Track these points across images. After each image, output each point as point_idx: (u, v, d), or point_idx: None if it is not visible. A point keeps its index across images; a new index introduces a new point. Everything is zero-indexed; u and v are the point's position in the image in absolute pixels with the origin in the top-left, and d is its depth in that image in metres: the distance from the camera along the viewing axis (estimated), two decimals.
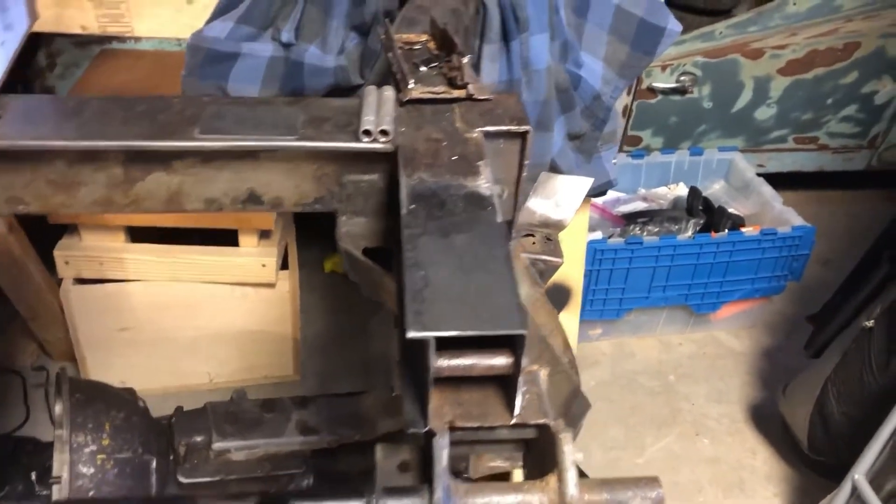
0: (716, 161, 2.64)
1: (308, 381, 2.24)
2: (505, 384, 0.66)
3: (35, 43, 2.22)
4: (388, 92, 0.85)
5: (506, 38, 1.14)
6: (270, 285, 2.06)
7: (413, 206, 0.71)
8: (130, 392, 1.93)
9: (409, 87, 0.84)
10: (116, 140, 0.77)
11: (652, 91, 2.62)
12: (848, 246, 2.59)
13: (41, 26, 1.31)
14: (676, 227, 2.42)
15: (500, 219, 0.70)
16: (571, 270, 1.58)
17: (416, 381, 0.66)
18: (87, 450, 1.56)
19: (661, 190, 2.63)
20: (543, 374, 0.73)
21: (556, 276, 1.66)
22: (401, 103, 0.85)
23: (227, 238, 2.03)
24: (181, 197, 0.83)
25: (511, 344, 0.63)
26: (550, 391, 0.91)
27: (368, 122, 0.79)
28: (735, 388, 2.33)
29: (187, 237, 2.01)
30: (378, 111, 0.81)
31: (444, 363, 0.64)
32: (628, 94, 2.60)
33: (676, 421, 2.23)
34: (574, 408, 1.04)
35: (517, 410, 0.65)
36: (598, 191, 1.49)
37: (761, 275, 2.35)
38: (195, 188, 0.82)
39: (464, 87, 0.85)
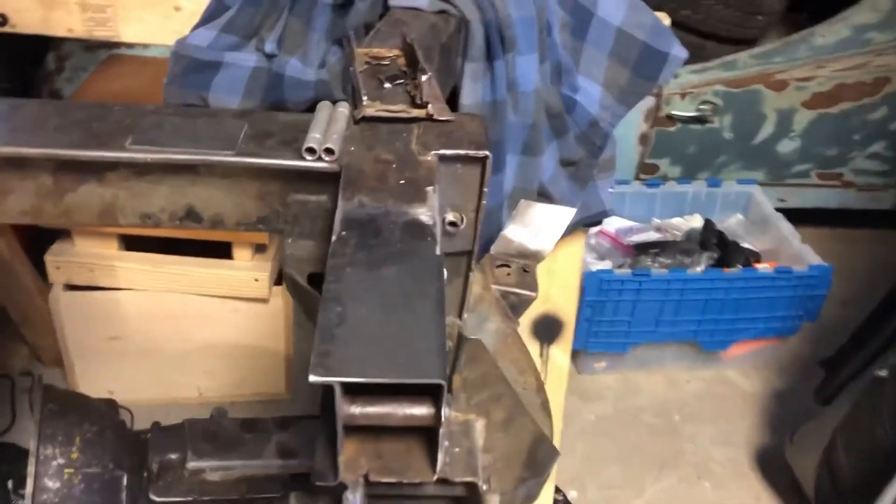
0: (734, 193, 2.56)
1: (299, 400, 2.19)
2: (430, 436, 0.60)
3: (45, 46, 2.21)
4: (343, 108, 0.80)
5: (490, 57, 1.08)
6: (264, 300, 2.02)
7: (344, 232, 0.65)
8: (110, 404, 1.89)
9: (364, 103, 0.79)
10: (43, 147, 0.72)
11: (671, 119, 2.55)
12: (869, 287, 2.48)
13: (27, 28, 1.29)
14: (689, 259, 2.34)
15: (438, 251, 0.64)
16: (564, 302, 1.51)
17: (332, 428, 0.60)
18: (54, 463, 1.51)
19: (676, 221, 2.55)
20: (480, 425, 0.66)
21: (548, 308, 1.59)
22: (355, 121, 0.79)
23: (222, 250, 1.99)
24: (115, 210, 0.78)
25: (433, 393, 0.56)
26: (502, 440, 0.85)
27: (313, 139, 0.74)
28: (742, 430, 2.24)
29: (182, 248, 1.97)
30: (327, 128, 0.76)
31: (357, 411, 0.57)
32: (646, 121, 2.53)
33: (679, 462, 2.14)
34: (539, 455, 0.97)
35: (439, 466, 0.59)
36: (592, 220, 1.42)
37: (775, 314, 2.26)
38: (130, 202, 0.77)
39: (424, 106, 0.79)
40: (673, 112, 2.53)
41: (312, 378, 0.53)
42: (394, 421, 0.58)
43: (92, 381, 2.07)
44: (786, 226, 2.39)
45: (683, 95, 2.52)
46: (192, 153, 0.73)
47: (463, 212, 0.79)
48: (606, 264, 2.33)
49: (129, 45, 2.11)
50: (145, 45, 2.08)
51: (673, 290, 2.19)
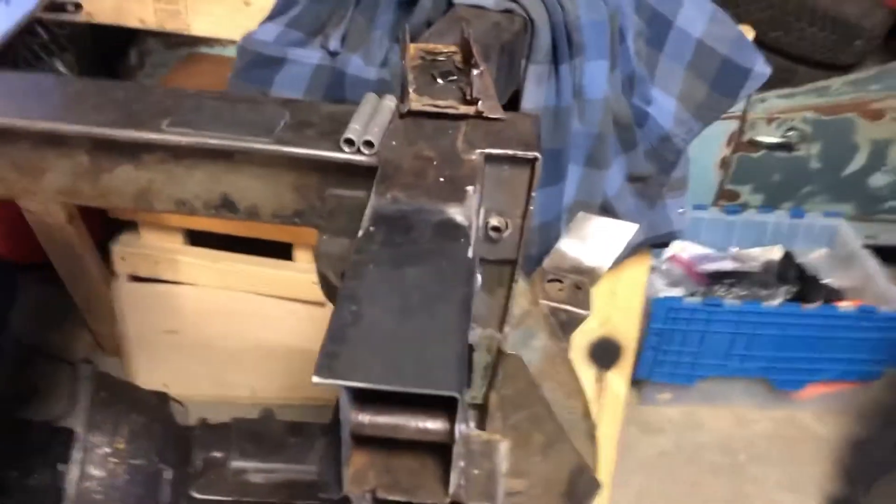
0: (818, 226, 2.42)
1: None
2: (447, 454, 0.55)
3: (128, 41, 2.26)
4: (389, 101, 0.76)
5: (556, 60, 1.03)
6: (321, 304, 2.00)
7: (372, 228, 0.61)
8: (161, 397, 1.90)
9: (411, 97, 0.74)
10: (79, 125, 0.70)
11: (755, 145, 2.44)
12: None
13: (101, 16, 1.30)
14: (765, 292, 2.22)
15: (470, 254, 0.59)
16: (625, 326, 1.44)
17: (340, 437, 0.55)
18: (99, 451, 1.52)
19: (755, 251, 2.43)
20: (505, 447, 0.61)
21: (607, 331, 1.52)
22: (401, 115, 0.75)
23: (283, 251, 1.99)
24: (150, 195, 0.76)
25: (449, 406, 0.51)
26: (539, 466, 0.79)
27: (353, 130, 0.70)
28: (813, 477, 2.10)
29: (245, 247, 1.97)
30: (369, 121, 0.72)
31: (366, 419, 0.53)
32: (728, 145, 2.43)
33: None
34: (580, 486, 0.90)
35: (452, 487, 0.53)
36: (659, 241, 1.35)
37: (856, 356, 2.13)
38: (165, 187, 0.75)
39: (473, 102, 0.74)
40: (757, 137, 2.42)
41: (316, 380, 0.48)
42: (405, 434, 0.53)
43: (148, 374, 2.09)
44: (873, 263, 2.25)
45: (770, 121, 2.40)
46: (227, 138, 0.70)
47: (508, 217, 0.74)
48: (678, 292, 2.24)
49: (209, 44, 2.14)
50: (224, 45, 2.11)
51: (746, 322, 2.08)
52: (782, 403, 2.26)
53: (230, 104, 0.75)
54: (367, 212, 0.62)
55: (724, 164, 2.46)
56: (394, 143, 0.71)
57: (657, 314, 2.06)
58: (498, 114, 0.74)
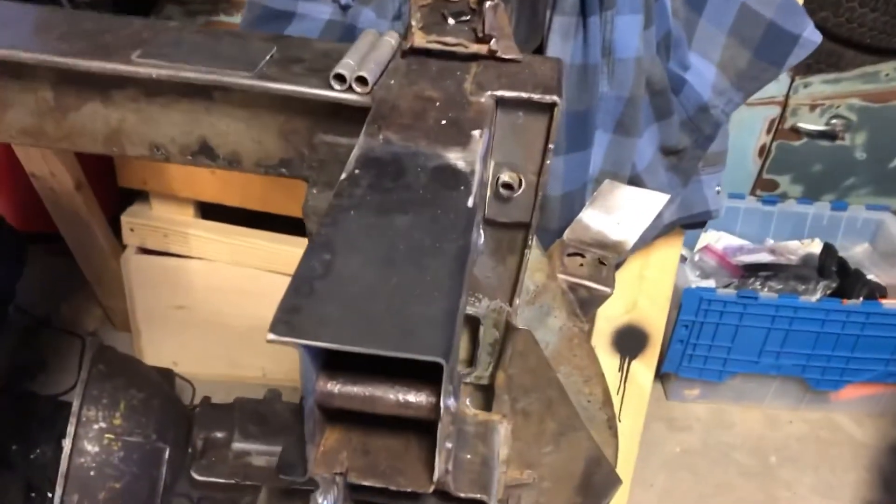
0: (861, 220, 2.30)
1: None
2: (432, 434, 0.46)
3: (147, 8, 2.20)
4: (390, 38, 0.67)
5: (584, 12, 0.93)
6: None
7: (358, 171, 0.52)
8: (164, 373, 1.83)
9: (414, 33, 0.66)
10: (40, 53, 0.63)
11: (796, 132, 2.31)
12: None
13: None
14: (803, 287, 2.10)
15: (470, 203, 0.51)
16: (653, 313, 1.34)
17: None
18: (95, 426, 1.45)
19: (793, 244, 2.31)
20: (505, 429, 0.52)
21: (634, 317, 1.42)
22: (403, 53, 0.66)
23: (298, 227, 1.91)
24: (122, 137, 0.68)
25: (435, 376, 0.43)
26: (551, 456, 0.70)
27: (345, 65, 0.61)
28: (848, 483, 1.98)
29: (259, 221, 1.90)
30: (365, 57, 0.63)
31: (336, 389, 0.44)
32: (768, 131, 2.31)
33: None
34: (595, 480, 0.81)
35: (437, 473, 0.45)
36: (693, 221, 1.25)
37: None
38: (138, 128, 0.67)
39: (486, 40, 0.65)
40: (799, 124, 2.30)
41: (271, 337, 0.40)
42: (382, 408, 0.44)
43: (157, 350, 2.02)
44: None
45: (813, 107, 2.28)
46: (202, 72, 0.62)
47: (522, 173, 0.65)
48: (709, 283, 2.13)
49: (228, 13, 2.06)
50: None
51: (782, 317, 1.96)
52: (818, 404, 2.15)
53: (212, 38, 0.67)
54: (354, 153, 0.54)
55: (763, 151, 2.34)
56: (392, 82, 0.63)
57: (688, 305, 1.95)
58: (513, 54, 0.65)
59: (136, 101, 0.66)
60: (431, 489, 0.45)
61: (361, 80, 0.61)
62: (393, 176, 0.52)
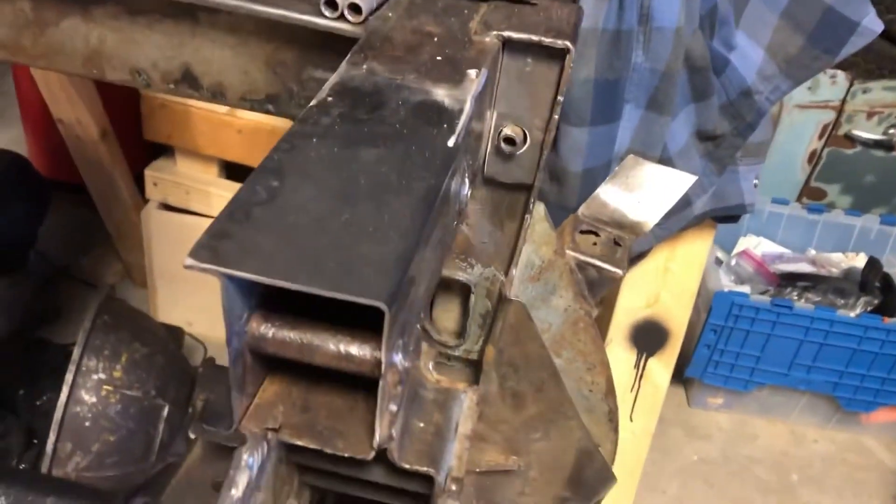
0: None
1: None
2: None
3: None
4: None
5: None
6: None
7: (331, 98, 0.46)
8: (173, 331, 1.80)
9: None
10: None
11: (850, 139, 2.20)
12: None
13: None
14: (842, 301, 2.00)
15: (452, 143, 0.45)
16: (676, 309, 1.27)
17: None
18: (94, 376, 1.43)
19: (836, 256, 2.21)
20: (471, 397, 0.46)
21: (655, 312, 1.35)
22: None
23: None
24: (102, 59, 0.63)
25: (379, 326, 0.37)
26: (539, 444, 0.65)
27: None
28: None
29: None
30: None
31: (269, 332, 0.39)
32: (820, 137, 2.20)
33: None
34: (587, 474, 0.75)
35: (377, 439, 0.39)
36: (727, 214, 1.17)
37: None
38: (119, 49, 0.63)
39: None
40: (854, 132, 2.19)
41: (187, 262, 0.35)
42: (320, 357, 0.39)
43: (172, 308, 2.00)
44: None
45: (871, 114, 2.16)
46: None
47: (527, 128, 0.59)
48: (744, 289, 2.04)
49: None
50: None
51: (817, 330, 1.87)
52: (848, 425, 2.05)
53: None
54: (331, 80, 0.48)
55: (813, 157, 2.23)
56: (390, 14, 0.57)
57: (718, 309, 1.87)
58: None
59: (116, 18, 0.61)
60: (371, 455, 0.40)
61: (354, 9, 0.55)
62: (369, 108, 0.46)
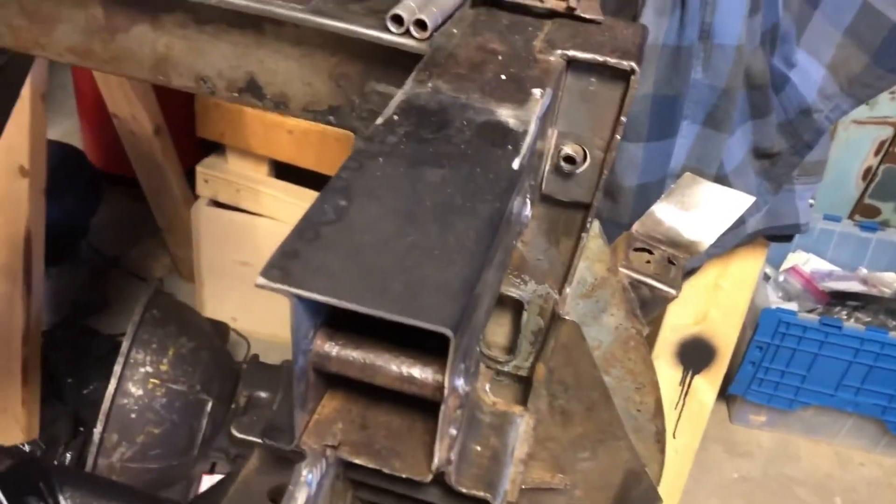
0: None
1: None
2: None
3: None
4: None
5: None
6: None
7: (397, 116, 0.47)
8: (219, 327, 1.83)
9: None
10: None
11: None
12: None
13: None
14: (894, 322, 1.96)
15: (516, 166, 0.45)
16: (724, 327, 1.25)
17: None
18: (142, 369, 1.46)
19: (889, 276, 2.16)
20: (526, 423, 0.46)
21: (703, 329, 1.33)
22: (473, 2, 0.61)
23: None
24: (168, 66, 0.64)
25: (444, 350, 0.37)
26: (586, 463, 0.64)
27: (405, 6, 0.56)
28: None
29: None
30: (429, 1, 0.58)
31: (333, 351, 0.39)
32: (876, 153, 2.16)
33: None
34: (633, 496, 0.74)
35: (436, 462, 0.39)
36: (780, 234, 1.15)
37: None
38: (185, 57, 0.63)
39: None
40: None
41: (260, 281, 0.35)
42: (381, 378, 0.39)
43: (218, 304, 2.03)
44: None
45: None
46: (253, 0, 0.58)
47: (587, 147, 0.59)
48: (792, 307, 2.00)
49: None
50: None
51: (866, 352, 1.83)
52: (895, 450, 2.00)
53: None
54: (396, 98, 0.48)
55: (868, 174, 2.19)
56: (455, 31, 0.57)
57: (765, 326, 1.84)
58: (594, 14, 0.59)
59: (184, 27, 0.62)
60: (429, 478, 0.40)
61: (420, 24, 0.55)
62: (435, 127, 0.47)
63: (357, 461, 0.41)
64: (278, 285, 0.35)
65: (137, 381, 1.44)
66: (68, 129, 2.39)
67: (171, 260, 2.19)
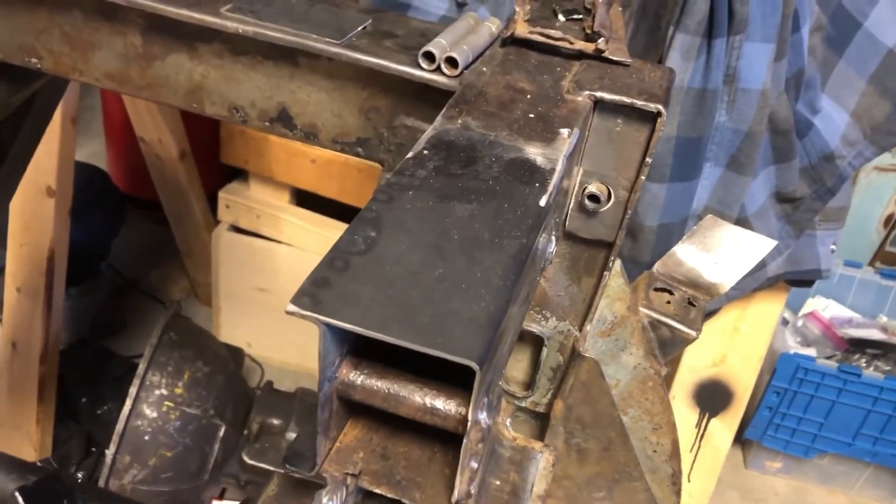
0: None
1: None
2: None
3: None
4: (491, 24, 0.63)
5: (710, 33, 0.87)
6: None
7: (427, 151, 0.47)
8: (235, 352, 1.84)
9: (517, 22, 0.61)
10: None
11: None
12: None
13: None
14: None
15: (543, 203, 0.45)
16: (742, 371, 1.25)
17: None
18: (157, 392, 1.46)
19: None
20: (547, 458, 0.46)
21: (720, 372, 1.32)
22: (503, 42, 0.62)
23: None
24: (202, 94, 0.66)
25: (468, 383, 0.37)
26: (596, 502, 0.64)
27: (437, 44, 0.57)
28: None
29: (352, 216, 1.89)
30: (460, 39, 0.59)
31: (358, 380, 0.40)
32: None
33: None
34: None
35: (456, 495, 0.39)
36: (801, 279, 1.15)
37: None
38: (220, 86, 0.65)
39: (593, 39, 0.60)
40: None
41: (291, 308, 0.36)
42: (405, 409, 0.40)
43: (234, 329, 2.04)
44: None
45: None
46: (289, 34, 0.59)
47: (612, 186, 0.59)
48: (810, 352, 1.98)
49: None
50: None
51: (886, 401, 1.81)
52: None
53: (307, 1, 0.64)
54: (426, 133, 0.49)
55: (890, 221, 2.18)
56: (484, 69, 0.58)
57: (783, 371, 1.82)
58: (622, 56, 0.60)
59: (220, 56, 0.63)
60: None
61: (451, 62, 0.56)
62: (463, 162, 0.47)
63: (378, 491, 0.41)
64: (308, 313, 0.35)
65: (152, 404, 1.44)
66: (94, 151, 2.43)
67: (189, 283, 2.21)
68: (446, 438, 0.42)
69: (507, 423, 0.46)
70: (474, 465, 0.39)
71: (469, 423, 0.37)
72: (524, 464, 0.45)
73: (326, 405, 0.40)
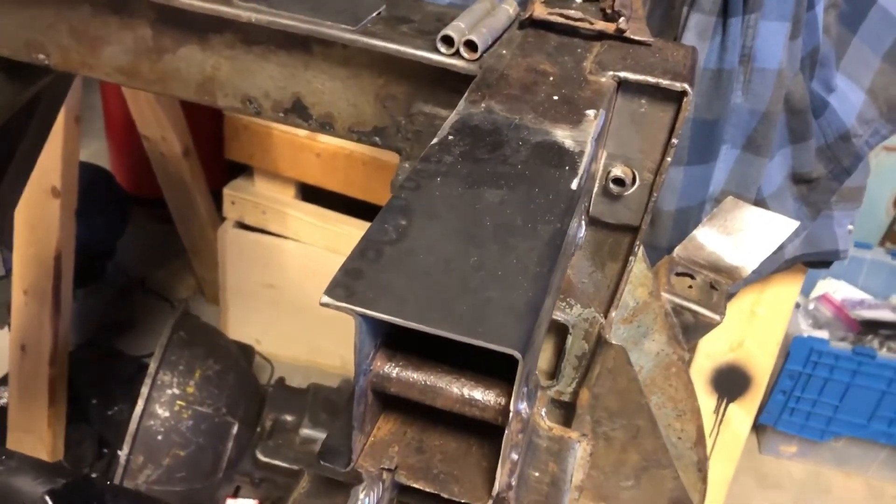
0: None
1: None
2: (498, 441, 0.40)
3: None
4: (508, 6, 0.61)
5: (726, 12, 0.85)
6: None
7: (451, 137, 0.46)
8: (245, 350, 1.83)
9: (535, 3, 0.60)
10: None
11: None
12: None
13: None
14: None
15: (574, 186, 0.44)
16: (760, 355, 1.23)
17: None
18: (168, 391, 1.45)
19: None
20: (584, 447, 0.45)
21: (738, 357, 1.31)
22: (521, 24, 0.60)
23: None
24: (215, 86, 0.64)
25: (508, 373, 0.36)
26: (629, 492, 0.63)
27: (455, 28, 0.56)
28: None
29: (360, 210, 1.88)
30: (478, 22, 0.58)
31: (393, 372, 0.39)
32: None
33: None
34: None
35: (497, 487, 0.38)
36: (819, 259, 1.14)
37: None
38: (232, 78, 0.64)
39: (614, 18, 0.59)
40: None
41: (325, 300, 0.35)
42: (442, 401, 0.38)
43: (242, 326, 2.03)
44: None
45: None
46: (303, 21, 0.58)
47: (637, 169, 0.58)
48: (822, 334, 1.97)
49: None
50: None
51: None
52: None
53: None
54: (450, 118, 0.48)
55: None
56: (504, 52, 0.57)
57: (796, 354, 1.81)
58: (644, 36, 0.58)
59: (232, 47, 0.62)
60: (489, 503, 0.39)
61: (470, 46, 0.55)
62: (490, 147, 0.46)
63: (415, 485, 0.40)
64: (344, 304, 0.34)
65: (164, 403, 1.44)
66: (96, 151, 2.41)
67: (196, 282, 2.20)
68: (482, 430, 0.41)
69: (543, 413, 0.45)
70: (515, 456, 0.38)
71: (511, 414, 0.36)
72: (562, 454, 0.44)
73: (362, 399, 0.39)
